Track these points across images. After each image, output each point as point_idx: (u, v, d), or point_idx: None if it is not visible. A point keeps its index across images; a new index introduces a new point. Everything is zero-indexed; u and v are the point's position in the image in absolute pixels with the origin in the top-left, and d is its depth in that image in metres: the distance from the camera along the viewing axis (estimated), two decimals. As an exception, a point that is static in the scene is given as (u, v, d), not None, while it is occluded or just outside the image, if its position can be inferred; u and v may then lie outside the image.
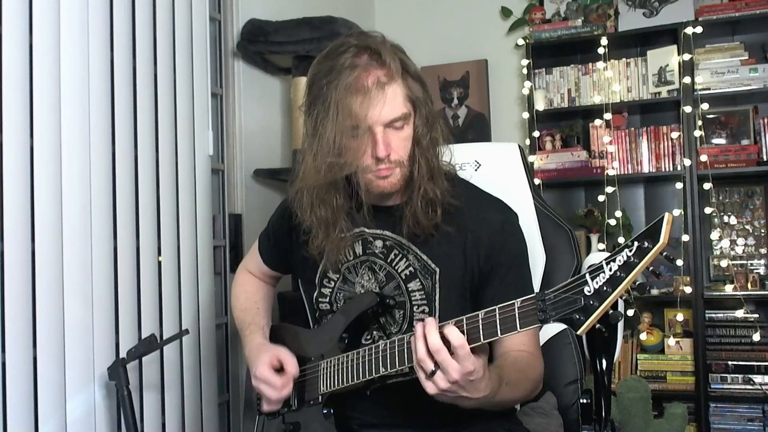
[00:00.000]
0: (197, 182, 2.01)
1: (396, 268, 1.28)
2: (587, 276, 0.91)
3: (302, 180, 1.23)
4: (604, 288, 0.89)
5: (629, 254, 0.87)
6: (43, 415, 1.46)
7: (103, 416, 1.61)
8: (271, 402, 1.30)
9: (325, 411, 1.25)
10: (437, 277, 1.25)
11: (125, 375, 1.50)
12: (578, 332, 0.91)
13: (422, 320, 1.08)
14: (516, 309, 0.97)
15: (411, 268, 1.27)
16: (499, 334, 0.99)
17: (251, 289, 1.52)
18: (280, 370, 1.29)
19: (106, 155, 1.65)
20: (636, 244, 0.87)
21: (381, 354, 1.14)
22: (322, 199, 1.23)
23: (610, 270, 0.89)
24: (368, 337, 1.31)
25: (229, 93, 2.31)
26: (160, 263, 1.84)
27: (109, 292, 1.65)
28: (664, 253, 0.88)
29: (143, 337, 1.65)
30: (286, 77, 2.53)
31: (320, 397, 1.26)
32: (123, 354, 1.57)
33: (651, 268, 0.89)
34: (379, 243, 1.30)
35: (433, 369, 0.99)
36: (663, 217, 0.86)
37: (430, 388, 1.01)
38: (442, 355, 0.98)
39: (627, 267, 0.88)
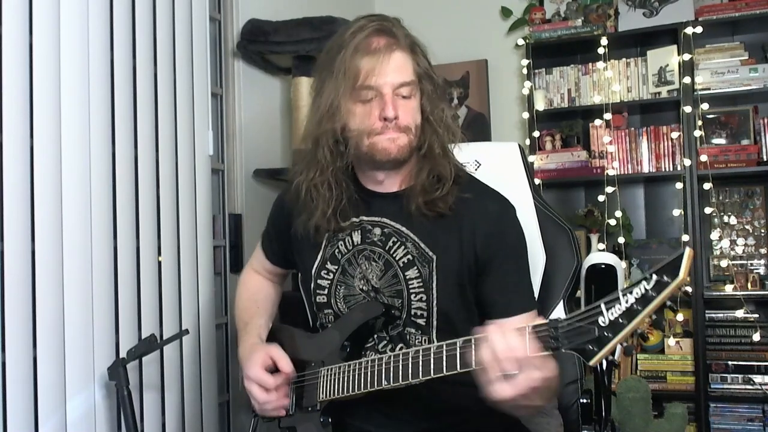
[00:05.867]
0: (197, 182, 2.01)
1: (394, 255, 1.27)
2: (602, 306, 0.89)
3: (302, 144, 1.26)
4: (620, 320, 0.88)
5: (647, 287, 0.86)
6: (43, 415, 1.46)
7: (103, 416, 1.61)
8: (262, 405, 1.27)
9: (322, 419, 1.23)
10: (434, 264, 1.24)
11: (125, 375, 1.50)
12: (590, 363, 0.90)
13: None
14: (527, 334, 0.95)
15: (409, 256, 1.26)
16: None
17: (254, 288, 1.52)
18: (275, 371, 1.27)
19: (106, 155, 1.65)
20: (655, 277, 0.86)
21: (385, 367, 1.12)
22: (316, 160, 1.26)
23: (627, 302, 0.88)
24: (369, 341, 1.29)
25: (229, 93, 2.31)
26: (160, 263, 1.84)
27: (109, 292, 1.65)
28: (683, 288, 0.86)
29: (143, 337, 1.65)
30: (286, 77, 2.53)
31: (318, 405, 1.24)
32: (123, 354, 1.56)
33: (669, 304, 0.87)
34: (377, 231, 1.29)
35: (515, 371, 0.94)
36: (684, 252, 0.85)
37: (504, 391, 0.95)
38: (519, 354, 0.93)
39: (644, 300, 0.87)
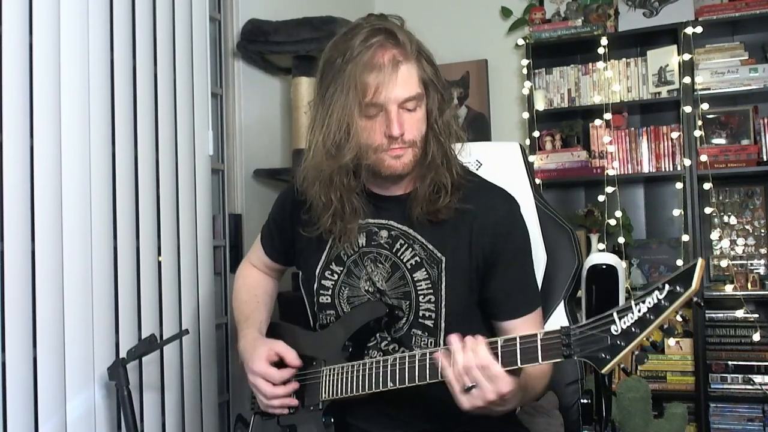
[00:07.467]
0: (197, 182, 2.01)
1: (401, 258, 1.27)
2: (615, 315, 0.91)
3: (311, 161, 1.22)
4: (633, 329, 0.90)
5: (660, 297, 0.88)
6: (43, 415, 1.46)
7: (103, 416, 1.61)
8: (269, 401, 1.26)
9: (324, 419, 1.23)
10: (443, 266, 1.24)
11: (125, 375, 1.50)
12: (602, 371, 0.92)
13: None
14: (538, 341, 0.97)
15: (417, 258, 1.26)
16: (519, 364, 1.00)
17: (253, 282, 1.51)
18: (279, 366, 1.26)
19: (106, 155, 1.65)
20: (667, 287, 0.88)
21: (390, 369, 1.12)
22: (332, 182, 1.22)
23: (639, 311, 0.89)
24: (372, 340, 1.29)
25: (229, 93, 2.31)
26: (160, 263, 1.84)
27: (109, 292, 1.65)
28: (695, 299, 0.88)
29: (143, 337, 1.65)
30: (286, 77, 2.53)
31: (320, 404, 1.24)
32: (123, 354, 1.56)
33: (680, 312, 0.89)
34: (384, 233, 1.29)
35: (470, 385, 1.00)
36: (696, 262, 0.87)
37: (464, 402, 1.02)
38: (474, 373, 1.00)
39: (657, 310, 0.88)
